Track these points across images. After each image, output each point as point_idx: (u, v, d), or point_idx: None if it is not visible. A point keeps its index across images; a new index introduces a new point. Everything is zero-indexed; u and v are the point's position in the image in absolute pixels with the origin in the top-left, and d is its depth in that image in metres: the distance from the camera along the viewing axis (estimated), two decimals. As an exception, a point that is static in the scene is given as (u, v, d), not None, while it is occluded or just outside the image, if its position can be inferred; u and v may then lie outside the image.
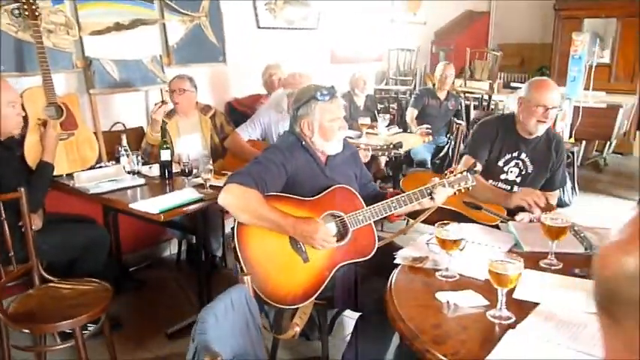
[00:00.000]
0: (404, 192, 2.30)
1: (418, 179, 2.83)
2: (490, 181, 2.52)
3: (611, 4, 6.79)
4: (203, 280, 2.88)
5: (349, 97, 4.72)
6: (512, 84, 6.88)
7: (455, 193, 2.08)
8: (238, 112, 4.32)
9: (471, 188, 2.11)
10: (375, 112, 4.87)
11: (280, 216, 1.81)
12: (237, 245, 1.84)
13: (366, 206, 1.99)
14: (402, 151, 3.12)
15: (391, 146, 3.05)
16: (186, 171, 2.84)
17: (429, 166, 4.38)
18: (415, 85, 5.92)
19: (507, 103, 5.70)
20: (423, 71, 6.05)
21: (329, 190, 1.97)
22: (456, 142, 3.99)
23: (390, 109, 5.60)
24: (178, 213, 2.46)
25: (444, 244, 1.70)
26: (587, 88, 5.67)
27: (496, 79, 6.27)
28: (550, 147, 2.51)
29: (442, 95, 4.81)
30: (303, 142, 2.04)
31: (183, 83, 3.32)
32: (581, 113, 5.27)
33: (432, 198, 2.02)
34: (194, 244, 3.55)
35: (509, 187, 2.54)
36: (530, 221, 2.57)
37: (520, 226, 2.19)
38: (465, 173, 2.08)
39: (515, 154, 2.50)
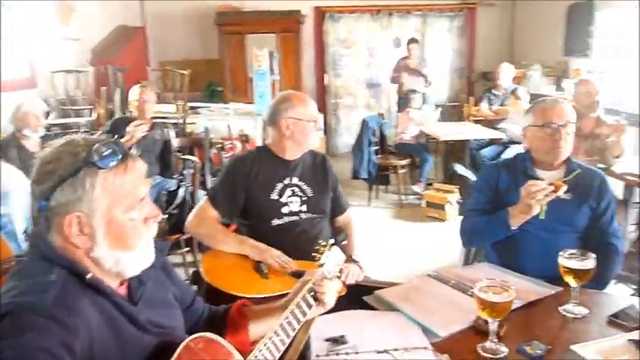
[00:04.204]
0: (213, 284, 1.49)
1: (221, 259, 2.00)
2: (275, 220, 2.11)
3: (268, 20, 7.03)
4: None
5: (16, 143, 3.36)
6: (190, 104, 6.38)
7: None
8: None
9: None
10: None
11: None
12: None
13: (237, 355, 1.10)
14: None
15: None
16: None
17: (165, 215, 3.41)
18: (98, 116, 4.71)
19: (207, 124, 5.11)
20: (113, 96, 4.88)
21: (176, 354, 0.99)
22: (194, 186, 3.16)
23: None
24: None
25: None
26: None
27: (187, 101, 5.61)
28: (315, 163, 2.28)
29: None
30: (90, 276, 0.98)
31: None
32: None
33: (317, 300, 1.30)
34: None
35: (297, 218, 2.14)
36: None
37: (398, 297, 1.65)
38: (332, 249, 1.44)
39: (286, 182, 2.17)
